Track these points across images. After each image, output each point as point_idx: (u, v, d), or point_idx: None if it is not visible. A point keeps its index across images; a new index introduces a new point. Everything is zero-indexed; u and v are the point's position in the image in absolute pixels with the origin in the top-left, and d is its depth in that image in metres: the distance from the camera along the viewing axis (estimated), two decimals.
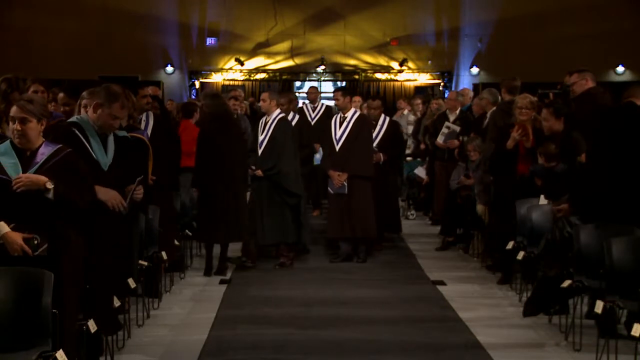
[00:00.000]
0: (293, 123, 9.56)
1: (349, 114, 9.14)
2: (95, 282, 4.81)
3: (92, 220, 4.74)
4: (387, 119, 9.88)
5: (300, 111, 12.36)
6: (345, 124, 9.10)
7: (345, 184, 8.93)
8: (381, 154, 9.50)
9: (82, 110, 5.49)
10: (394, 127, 9.93)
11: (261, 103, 9.24)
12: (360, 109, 10.59)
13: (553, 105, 7.18)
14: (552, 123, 7.03)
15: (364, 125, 9.16)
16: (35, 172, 4.42)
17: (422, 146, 11.84)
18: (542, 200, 7.15)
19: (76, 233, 4.53)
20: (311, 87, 13.37)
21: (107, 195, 5.04)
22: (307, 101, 12.78)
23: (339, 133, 9.08)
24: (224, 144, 8.40)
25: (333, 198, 9.16)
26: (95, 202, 4.77)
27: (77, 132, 5.09)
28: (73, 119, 5.30)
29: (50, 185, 4.38)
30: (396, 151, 10.01)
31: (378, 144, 9.53)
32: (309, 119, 12.05)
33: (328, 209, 9.61)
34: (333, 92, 10.21)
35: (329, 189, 9.18)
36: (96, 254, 4.83)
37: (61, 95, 6.65)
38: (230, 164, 8.42)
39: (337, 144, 9.05)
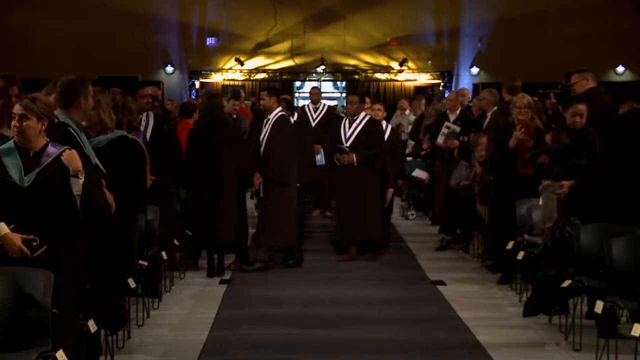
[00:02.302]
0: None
1: (271, 116, 8.82)
2: (97, 281, 4.81)
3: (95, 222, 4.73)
4: (367, 117, 9.26)
5: (302, 111, 12.36)
6: (268, 126, 8.81)
7: (261, 188, 8.69)
8: (354, 155, 8.98)
9: None
10: (372, 126, 9.20)
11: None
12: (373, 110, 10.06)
13: (583, 101, 6.98)
14: (584, 119, 6.86)
15: (283, 128, 8.77)
16: (38, 174, 4.38)
17: (425, 146, 11.78)
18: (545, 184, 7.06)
19: (76, 234, 4.52)
20: (313, 88, 13.35)
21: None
22: (309, 101, 12.76)
23: (262, 135, 8.77)
24: (214, 145, 8.36)
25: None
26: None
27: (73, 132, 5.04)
28: (67, 121, 5.16)
29: (82, 176, 4.37)
30: (373, 152, 9.07)
31: (352, 143, 9.05)
32: (311, 119, 12.03)
33: None
34: (260, 92, 9.54)
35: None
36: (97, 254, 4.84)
37: None
38: (221, 165, 8.36)
39: (262, 146, 8.73)
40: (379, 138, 9.30)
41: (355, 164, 9.02)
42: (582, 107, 6.96)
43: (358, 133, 9.12)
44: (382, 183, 9.32)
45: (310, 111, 12.19)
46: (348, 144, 9.09)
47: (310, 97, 12.79)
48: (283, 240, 8.77)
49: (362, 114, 9.26)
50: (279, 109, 8.91)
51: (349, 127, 9.19)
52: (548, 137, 7.05)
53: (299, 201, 9.26)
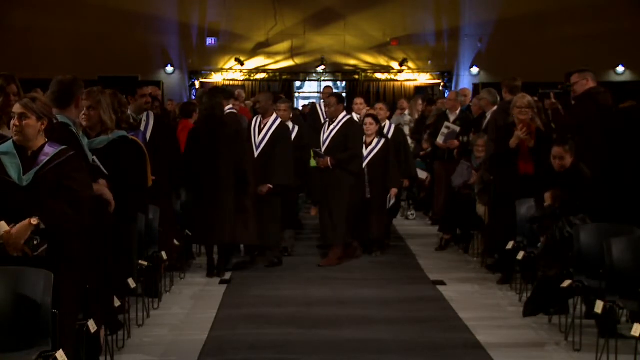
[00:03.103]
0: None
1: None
2: (95, 282, 4.80)
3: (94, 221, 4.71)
4: (346, 118, 9.10)
5: (313, 110, 12.38)
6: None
7: None
8: (328, 158, 8.85)
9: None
10: (348, 129, 8.99)
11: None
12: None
13: (566, 141, 6.82)
14: (568, 160, 6.79)
15: (236, 127, 8.64)
16: (36, 173, 4.39)
17: (425, 146, 11.75)
18: None
19: (77, 233, 4.52)
20: (326, 87, 13.35)
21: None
22: (321, 101, 12.78)
23: None
24: (213, 144, 8.35)
25: None
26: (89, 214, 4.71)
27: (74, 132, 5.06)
28: (66, 120, 5.15)
29: (35, 222, 4.27)
30: (346, 154, 8.88)
31: (328, 146, 8.95)
32: (321, 118, 12.05)
33: None
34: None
35: None
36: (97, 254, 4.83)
37: None
38: (219, 164, 8.35)
39: None
40: (354, 140, 9.04)
41: (331, 167, 8.92)
42: (560, 150, 6.74)
43: (334, 136, 9.00)
44: (379, 185, 9.27)
45: (321, 110, 12.22)
46: (324, 147, 9.00)
47: (322, 97, 12.83)
48: (243, 239, 8.67)
49: (341, 115, 9.11)
50: (228, 107, 8.77)
51: (327, 130, 9.11)
52: (547, 196, 6.92)
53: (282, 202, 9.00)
